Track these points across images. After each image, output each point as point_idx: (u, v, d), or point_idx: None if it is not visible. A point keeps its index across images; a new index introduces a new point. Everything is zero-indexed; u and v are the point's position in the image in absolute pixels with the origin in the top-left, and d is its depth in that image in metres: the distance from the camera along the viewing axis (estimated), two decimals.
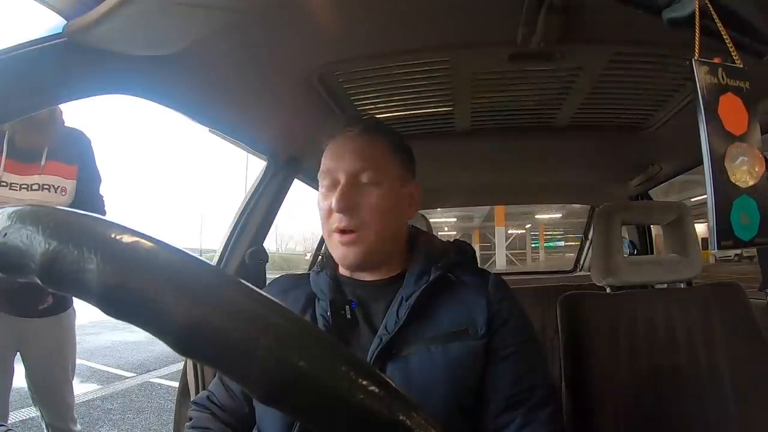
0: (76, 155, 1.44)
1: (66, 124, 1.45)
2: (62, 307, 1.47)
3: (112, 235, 0.21)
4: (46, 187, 1.37)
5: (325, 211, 0.67)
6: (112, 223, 0.21)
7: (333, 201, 0.65)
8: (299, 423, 0.59)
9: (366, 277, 0.70)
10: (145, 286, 0.20)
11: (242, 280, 0.21)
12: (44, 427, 1.50)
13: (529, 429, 0.61)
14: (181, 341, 0.20)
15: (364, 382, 0.20)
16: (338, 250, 0.67)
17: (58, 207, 0.23)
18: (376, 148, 0.68)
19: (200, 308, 0.20)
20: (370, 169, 0.66)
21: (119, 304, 0.20)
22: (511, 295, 0.69)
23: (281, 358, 0.19)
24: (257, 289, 0.21)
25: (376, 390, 0.20)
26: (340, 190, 0.65)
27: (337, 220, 0.65)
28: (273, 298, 0.21)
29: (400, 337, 0.63)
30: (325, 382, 0.20)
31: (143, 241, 0.21)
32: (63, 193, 1.40)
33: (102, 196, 1.53)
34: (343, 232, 0.65)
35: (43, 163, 1.37)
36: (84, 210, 0.23)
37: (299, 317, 0.21)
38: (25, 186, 1.35)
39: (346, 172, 0.65)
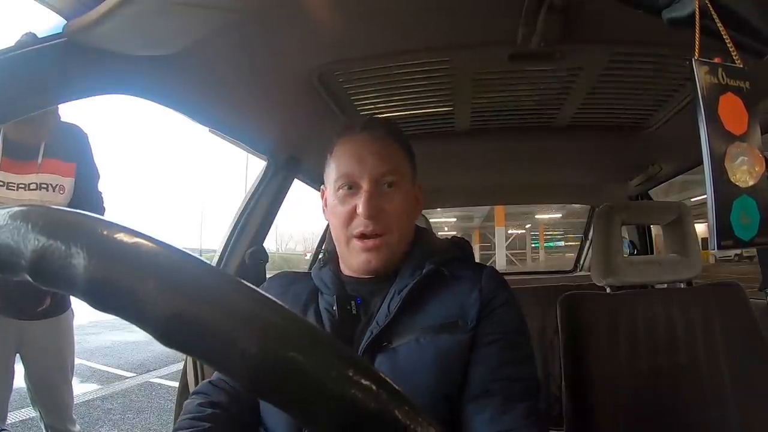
0: (73, 152, 1.41)
1: (62, 120, 1.43)
2: (61, 308, 1.46)
3: (98, 230, 0.21)
4: (43, 186, 1.35)
5: (344, 216, 0.66)
6: (99, 218, 0.22)
7: (359, 206, 0.64)
8: (293, 418, 0.58)
9: (367, 275, 0.69)
10: (129, 278, 0.20)
11: (225, 272, 0.22)
12: (43, 427, 1.50)
13: (505, 419, 0.59)
14: (165, 332, 0.20)
15: (351, 372, 0.20)
16: (360, 256, 0.66)
17: (49, 206, 0.23)
18: (394, 151, 0.68)
19: (183, 299, 0.20)
20: (391, 173, 0.66)
21: (105, 298, 0.20)
22: (505, 286, 0.68)
23: (264, 347, 0.19)
24: (241, 280, 0.21)
25: (364, 380, 0.20)
26: (366, 197, 0.64)
27: (362, 225, 0.64)
28: (257, 288, 0.21)
29: (391, 329, 0.63)
30: (309, 370, 0.20)
31: (128, 234, 0.21)
32: (61, 192, 1.38)
33: (100, 193, 1.51)
34: (364, 236, 0.65)
35: (39, 161, 1.34)
36: (82, 207, 0.23)
37: (283, 306, 0.21)
38: (23, 185, 1.33)
39: (371, 176, 0.65)
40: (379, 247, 0.65)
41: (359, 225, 0.65)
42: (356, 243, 0.65)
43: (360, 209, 0.64)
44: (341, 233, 0.67)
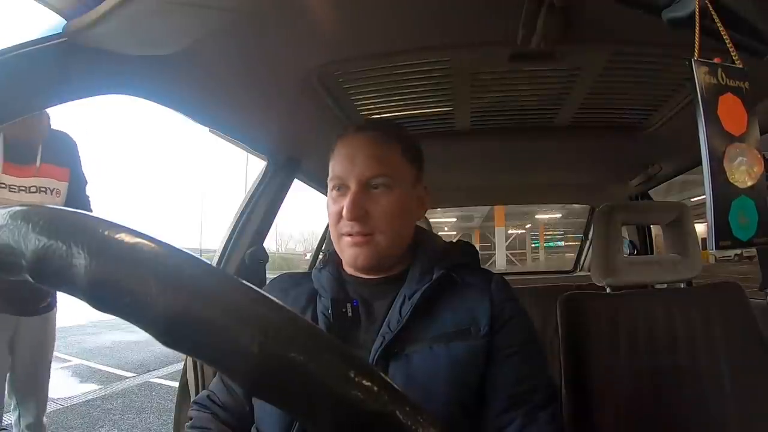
0: (66, 158, 1.49)
1: (53, 128, 1.50)
2: (52, 305, 1.55)
3: (99, 230, 0.21)
4: (42, 189, 1.42)
5: (335, 215, 0.66)
6: (100, 219, 0.22)
7: (344, 208, 0.64)
8: (293, 418, 0.59)
9: (369, 275, 0.69)
10: (130, 278, 0.20)
11: (227, 272, 0.22)
12: (13, 422, 1.56)
13: (530, 429, 0.61)
14: (166, 333, 0.20)
15: (351, 372, 0.20)
16: (349, 252, 0.66)
17: (48, 206, 0.23)
18: (388, 153, 0.67)
19: (184, 299, 0.20)
20: (382, 174, 0.65)
21: (105, 298, 0.20)
22: (513, 295, 0.69)
23: (265, 348, 0.20)
24: (241, 280, 0.22)
25: (365, 380, 0.20)
26: (351, 198, 0.64)
27: (348, 226, 0.65)
28: (257, 289, 0.21)
29: (403, 335, 0.63)
30: (310, 370, 0.20)
31: (129, 235, 0.21)
32: (57, 195, 1.45)
33: (88, 197, 1.59)
34: (351, 234, 0.65)
35: (38, 164, 1.41)
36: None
37: (284, 306, 0.21)
38: (24, 188, 1.39)
39: (358, 178, 0.65)
40: (365, 244, 0.65)
41: (345, 225, 0.66)
42: (345, 239, 0.66)
43: (344, 212, 0.64)
44: (333, 231, 0.68)
